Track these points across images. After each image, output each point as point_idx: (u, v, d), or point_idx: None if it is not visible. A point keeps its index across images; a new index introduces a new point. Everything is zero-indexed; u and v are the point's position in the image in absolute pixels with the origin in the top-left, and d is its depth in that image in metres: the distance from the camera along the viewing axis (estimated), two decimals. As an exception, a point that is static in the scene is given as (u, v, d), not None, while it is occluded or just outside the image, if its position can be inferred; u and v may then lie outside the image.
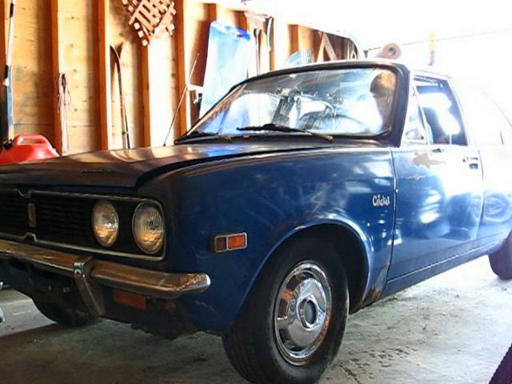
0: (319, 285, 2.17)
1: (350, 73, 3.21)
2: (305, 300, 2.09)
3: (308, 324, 2.10)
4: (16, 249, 2.20)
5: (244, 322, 1.91)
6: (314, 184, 2.07)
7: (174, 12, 5.59)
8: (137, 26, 5.25)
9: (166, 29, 5.52)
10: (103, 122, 5.03)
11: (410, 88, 2.75)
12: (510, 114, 4.04)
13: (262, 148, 2.39)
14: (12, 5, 4.25)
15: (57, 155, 4.19)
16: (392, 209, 2.40)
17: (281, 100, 3.60)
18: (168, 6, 5.50)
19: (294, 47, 7.09)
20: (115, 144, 5.14)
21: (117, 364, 2.40)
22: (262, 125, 2.89)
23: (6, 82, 4.26)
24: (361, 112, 2.96)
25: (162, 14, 5.45)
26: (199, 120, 3.53)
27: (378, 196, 2.33)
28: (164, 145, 3.40)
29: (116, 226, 1.86)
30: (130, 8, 5.18)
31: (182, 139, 3.27)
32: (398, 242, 2.46)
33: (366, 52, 8.08)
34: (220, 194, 1.77)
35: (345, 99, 3.08)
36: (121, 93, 5.17)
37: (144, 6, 5.26)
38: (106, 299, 1.88)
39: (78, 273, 1.82)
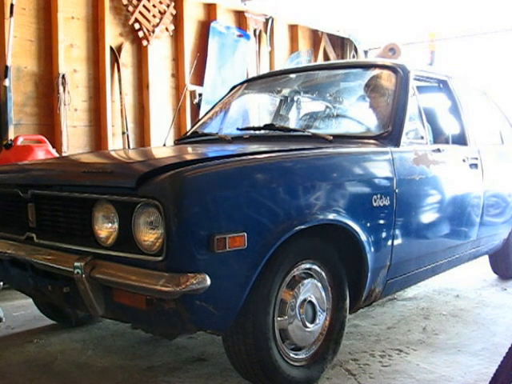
0: (319, 285, 2.17)
1: (350, 73, 3.21)
2: (305, 300, 2.09)
3: (308, 324, 2.10)
4: (16, 249, 2.20)
5: (244, 322, 1.91)
6: (314, 184, 2.07)
7: (174, 12, 5.59)
8: (137, 26, 5.26)
9: (166, 29, 5.53)
10: (103, 122, 5.03)
11: (410, 88, 2.75)
12: (510, 114, 4.04)
13: (262, 148, 2.39)
14: (12, 5, 4.25)
15: (57, 155, 4.19)
16: (392, 209, 2.40)
17: (281, 100, 3.60)
18: (168, 6, 5.51)
19: (294, 47, 7.09)
20: (115, 144, 5.14)
21: (117, 364, 2.40)
22: (261, 125, 2.89)
23: (6, 82, 4.26)
24: (361, 112, 2.96)
25: (162, 14, 5.45)
26: (199, 120, 3.53)
27: (378, 196, 2.33)
28: (164, 145, 3.40)
29: (116, 225, 1.86)
30: (130, 8, 5.19)
31: (181, 139, 3.27)
32: (398, 241, 2.46)
33: (366, 52, 8.08)
34: (220, 194, 1.77)
35: (345, 99, 3.08)
36: (121, 93, 5.17)
37: (144, 6, 5.26)
38: (105, 299, 1.88)
39: (77, 273, 1.82)
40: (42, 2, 4.63)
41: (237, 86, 3.55)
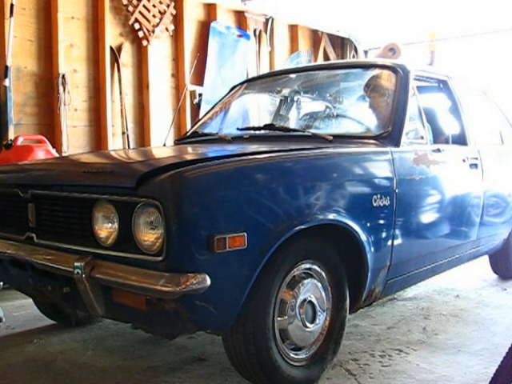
0: (319, 285, 2.17)
1: (350, 73, 3.21)
2: (305, 300, 2.09)
3: (308, 324, 2.10)
4: (16, 249, 2.20)
5: (244, 322, 1.91)
6: (314, 184, 2.07)
7: (174, 12, 5.59)
8: (137, 26, 5.26)
9: (166, 29, 5.53)
10: (103, 122, 5.03)
11: (409, 88, 2.75)
12: (510, 114, 4.04)
13: (262, 148, 2.39)
14: (12, 5, 4.25)
15: (57, 155, 4.19)
16: (392, 209, 2.40)
17: (281, 100, 3.60)
18: (168, 6, 5.51)
19: (293, 47, 7.09)
20: (115, 144, 5.14)
21: (117, 364, 2.40)
22: (261, 125, 2.89)
23: (6, 82, 4.26)
24: (361, 112, 2.96)
25: (162, 14, 5.45)
26: (199, 120, 3.53)
27: (378, 196, 2.33)
28: (164, 145, 3.40)
29: (116, 225, 1.86)
30: (130, 8, 5.18)
31: (181, 139, 3.27)
32: (398, 242, 2.46)
33: (366, 52, 8.08)
34: (220, 194, 1.77)
35: (345, 99, 3.08)
36: (121, 93, 5.17)
37: (144, 6, 5.26)
38: (105, 299, 1.88)
39: (77, 273, 1.82)
40: (42, 1, 4.63)
41: (237, 85, 3.55)
